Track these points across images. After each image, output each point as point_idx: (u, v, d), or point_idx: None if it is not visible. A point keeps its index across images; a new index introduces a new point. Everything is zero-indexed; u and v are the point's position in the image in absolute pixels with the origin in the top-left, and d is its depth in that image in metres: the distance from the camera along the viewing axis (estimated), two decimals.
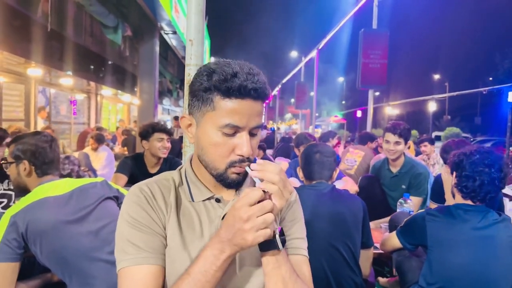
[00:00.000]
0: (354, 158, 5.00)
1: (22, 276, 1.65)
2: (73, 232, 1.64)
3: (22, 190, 1.82)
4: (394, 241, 1.98)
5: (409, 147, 6.78)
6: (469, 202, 1.79)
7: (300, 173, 2.12)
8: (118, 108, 16.37)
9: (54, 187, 1.73)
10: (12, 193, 2.89)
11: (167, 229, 0.98)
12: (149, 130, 2.98)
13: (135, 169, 3.01)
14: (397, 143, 3.05)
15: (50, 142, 1.82)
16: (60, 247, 1.62)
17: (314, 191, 1.90)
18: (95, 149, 5.93)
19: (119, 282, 0.96)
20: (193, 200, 1.02)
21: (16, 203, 1.67)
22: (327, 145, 2.11)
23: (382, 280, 2.56)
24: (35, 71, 7.88)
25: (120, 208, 1.84)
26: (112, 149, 8.15)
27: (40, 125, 8.04)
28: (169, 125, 12.16)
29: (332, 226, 1.80)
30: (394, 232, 2.01)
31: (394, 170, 3.14)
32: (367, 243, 1.97)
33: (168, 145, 3.02)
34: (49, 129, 7.02)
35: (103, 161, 5.76)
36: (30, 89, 9.02)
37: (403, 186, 3.02)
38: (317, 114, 16.71)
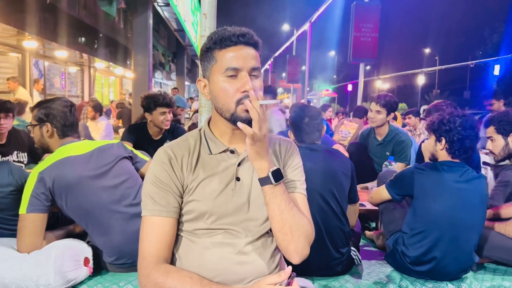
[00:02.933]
0: (348, 130, 5.21)
1: (48, 227, 1.85)
2: (94, 187, 1.84)
3: (45, 151, 2.01)
4: (383, 193, 2.24)
5: (396, 119, 6.99)
6: (454, 160, 2.06)
7: (291, 136, 2.32)
8: (110, 81, 16.32)
9: (76, 148, 1.91)
10: (22, 165, 3.05)
11: (192, 178, 1.20)
12: (151, 105, 3.08)
13: (139, 136, 3.17)
14: (378, 112, 3.27)
15: (70, 107, 1.99)
16: (83, 200, 1.82)
17: (309, 150, 2.10)
18: (94, 119, 5.99)
19: (141, 226, 1.20)
20: (211, 153, 1.24)
21: (42, 161, 1.85)
22: (313, 107, 2.30)
23: (368, 233, 2.83)
24: (30, 43, 7.86)
25: (134, 167, 2.06)
26: None
27: (36, 98, 8.09)
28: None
29: (324, 181, 2.02)
30: (383, 186, 2.27)
31: (380, 138, 3.36)
32: (354, 198, 2.20)
33: (170, 116, 3.15)
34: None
35: (102, 131, 5.80)
36: (25, 61, 9.00)
37: (388, 153, 3.25)
38: (308, 88, 16.81)
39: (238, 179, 1.22)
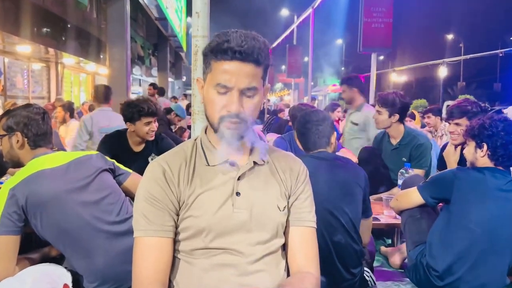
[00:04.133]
0: None
1: (20, 251, 1.91)
2: (73, 202, 1.91)
3: (15, 164, 2.08)
4: (413, 196, 2.35)
5: (414, 118, 7.07)
6: (497, 167, 2.18)
7: (299, 144, 2.42)
8: (81, 79, 16.37)
9: (50, 160, 1.98)
10: None
11: (189, 192, 1.28)
12: (135, 115, 3.13)
13: (116, 147, 3.21)
14: (378, 112, 3.39)
15: (42, 114, 2.07)
16: (61, 218, 1.89)
17: (315, 159, 2.18)
18: (64, 122, 5.94)
19: (134, 248, 1.28)
20: (208, 164, 1.33)
21: (13, 176, 1.92)
22: (320, 111, 2.40)
23: (383, 248, 2.92)
24: None
25: (116, 180, 2.13)
26: None
27: None
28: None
29: (332, 194, 2.10)
30: (413, 188, 2.38)
31: (394, 142, 3.45)
32: (367, 212, 2.28)
33: (156, 125, 3.22)
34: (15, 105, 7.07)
35: (72, 133, 5.76)
36: None
37: (404, 159, 3.33)
38: (312, 83, 16.93)
39: (238, 194, 1.30)
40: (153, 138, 3.22)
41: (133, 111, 3.14)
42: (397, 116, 3.35)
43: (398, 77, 31.58)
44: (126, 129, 3.30)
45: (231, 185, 1.31)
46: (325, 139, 2.30)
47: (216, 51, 1.22)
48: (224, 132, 1.24)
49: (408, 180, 2.74)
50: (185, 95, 17.47)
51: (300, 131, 2.34)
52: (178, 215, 1.29)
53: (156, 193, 1.27)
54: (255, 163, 1.35)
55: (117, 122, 4.56)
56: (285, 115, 8.93)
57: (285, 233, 1.40)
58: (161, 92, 7.17)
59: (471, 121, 2.31)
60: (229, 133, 1.24)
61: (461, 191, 2.15)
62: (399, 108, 3.34)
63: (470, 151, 2.26)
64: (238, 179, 1.32)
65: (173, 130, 6.36)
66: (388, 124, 3.39)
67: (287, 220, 1.39)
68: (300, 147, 2.42)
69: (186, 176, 1.30)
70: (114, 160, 2.23)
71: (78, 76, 16.08)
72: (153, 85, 8.29)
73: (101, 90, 4.90)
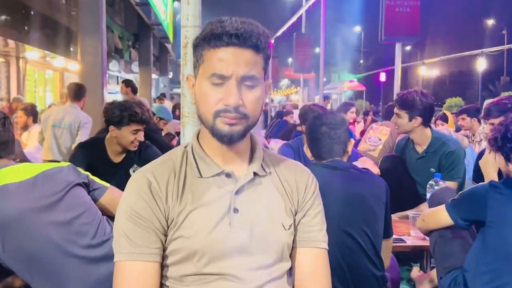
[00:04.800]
0: (378, 136, 5.29)
1: None
2: (40, 223, 1.95)
3: None
4: (441, 216, 2.35)
5: (447, 121, 7.10)
6: None
7: (308, 152, 2.46)
8: (47, 76, 16.47)
9: (13, 173, 2.02)
10: None
11: (179, 209, 1.31)
12: (125, 119, 3.16)
13: (93, 158, 3.26)
14: (397, 115, 3.43)
15: (2, 120, 2.11)
16: (27, 242, 1.92)
17: (328, 169, 2.23)
18: (25, 127, 5.95)
19: (114, 275, 1.30)
20: (201, 176, 1.35)
21: None
22: (334, 113, 2.44)
23: (414, 273, 2.93)
24: None
25: (91, 196, 2.17)
26: None
27: None
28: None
29: (348, 211, 2.15)
30: (441, 206, 2.38)
31: (420, 149, 3.48)
32: (387, 231, 2.32)
33: (142, 134, 3.26)
34: None
35: (36, 140, 5.74)
36: None
37: (432, 170, 3.35)
38: (325, 79, 16.98)
39: (236, 210, 1.33)
40: (136, 148, 3.27)
41: (123, 114, 3.17)
42: (419, 120, 3.37)
43: (428, 71, 31.67)
44: (103, 136, 3.34)
45: (228, 200, 1.34)
46: (342, 146, 2.34)
47: (209, 38, 1.27)
48: (221, 130, 1.27)
49: (437, 194, 2.76)
50: (172, 97, 17.48)
51: (312, 136, 2.37)
52: (166, 235, 1.32)
53: (141, 210, 1.30)
54: (255, 174, 1.38)
55: (70, 119, 5.16)
56: (293, 118, 8.94)
57: (292, 256, 1.43)
58: (134, 90, 7.17)
59: (494, 127, 2.29)
60: (228, 130, 1.27)
61: (497, 210, 2.14)
62: (420, 109, 3.36)
63: (500, 162, 2.26)
64: (236, 193, 1.34)
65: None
66: (410, 129, 3.43)
67: (294, 241, 1.42)
68: (309, 156, 2.46)
69: (176, 190, 1.33)
70: (88, 173, 2.27)
71: (44, 73, 16.18)
72: (125, 81, 8.38)
73: (72, 87, 5.36)
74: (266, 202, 1.38)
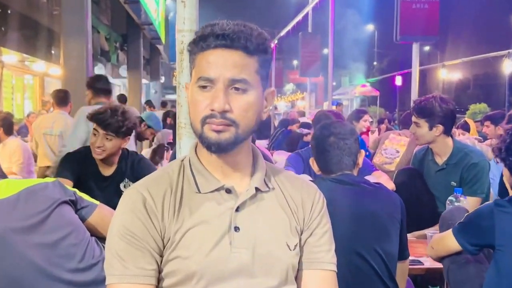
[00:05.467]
0: (395, 147, 5.29)
1: None
2: (23, 245, 1.98)
3: None
4: (449, 242, 2.37)
5: (468, 130, 7.11)
6: None
7: (315, 166, 2.49)
8: (26, 82, 16.53)
9: None
10: None
11: (176, 227, 1.35)
12: (93, 118, 3.23)
13: (81, 169, 3.30)
14: (416, 124, 3.46)
15: None
16: (9, 265, 1.95)
17: (336, 184, 2.26)
18: None
19: None
20: (199, 191, 1.40)
21: None
22: (342, 123, 2.48)
23: None
24: None
25: (78, 215, 2.21)
26: None
27: None
28: None
29: (358, 229, 2.18)
30: (449, 231, 2.39)
31: (440, 161, 3.51)
32: (402, 253, 2.35)
33: (106, 145, 3.20)
34: None
35: (15, 156, 5.71)
36: None
37: (453, 183, 3.37)
38: (334, 83, 17.00)
39: (236, 229, 1.37)
40: (101, 156, 3.24)
41: (94, 111, 3.28)
42: (440, 128, 3.39)
43: (449, 74, 31.66)
44: None
45: (228, 217, 1.37)
46: (352, 158, 2.37)
47: (198, 41, 1.34)
48: (208, 137, 1.32)
49: (447, 215, 2.77)
50: (164, 104, 17.44)
51: (320, 147, 2.41)
52: (162, 256, 1.35)
53: (135, 228, 1.33)
54: (257, 189, 1.42)
55: (60, 126, 5.37)
56: (299, 127, 8.91)
57: (297, 278, 1.46)
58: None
59: (501, 136, 2.31)
60: (215, 138, 1.31)
61: (505, 233, 2.15)
62: (441, 117, 3.39)
63: (505, 174, 2.30)
64: (237, 210, 1.38)
65: (151, 147, 6.43)
66: (431, 139, 3.45)
67: (300, 262, 1.45)
68: (316, 170, 2.50)
69: (172, 206, 1.36)
70: (75, 189, 2.31)
71: (22, 78, 16.22)
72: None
73: (56, 94, 5.74)
74: (270, 220, 1.41)
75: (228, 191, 1.40)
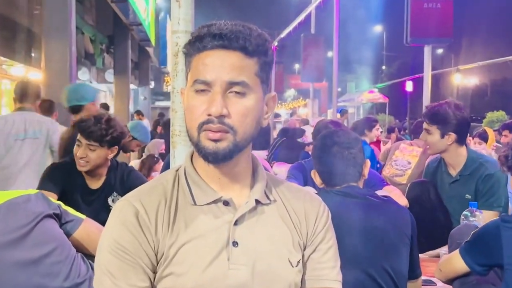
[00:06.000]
0: (406, 158, 5.29)
1: None
2: (3, 262, 1.99)
3: None
4: (456, 263, 2.39)
5: (486, 140, 7.13)
6: None
7: (317, 178, 2.51)
8: (3, 87, 16.51)
9: None
10: None
11: (170, 242, 1.37)
12: (72, 122, 3.31)
13: (67, 182, 3.31)
14: (427, 131, 3.50)
15: None
16: None
17: (341, 197, 2.28)
18: None
19: None
20: (195, 203, 1.42)
21: None
22: (345, 131, 2.49)
23: None
24: None
25: (63, 230, 2.23)
26: None
27: None
28: None
29: (365, 246, 2.20)
30: (456, 252, 2.41)
31: (454, 172, 3.55)
32: (414, 272, 2.38)
33: (89, 156, 3.22)
34: None
35: None
36: None
37: (468, 196, 3.40)
38: (339, 89, 16.99)
39: (235, 244, 1.39)
40: (85, 168, 3.25)
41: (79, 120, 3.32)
42: (453, 136, 3.43)
43: (464, 79, 31.73)
44: None
45: (226, 231, 1.39)
46: (358, 169, 2.39)
47: (194, 42, 1.37)
48: (205, 147, 1.33)
49: (455, 234, 2.79)
50: (162, 116, 17.36)
51: (322, 158, 2.43)
52: (155, 272, 1.37)
53: (127, 243, 1.35)
54: (257, 201, 1.44)
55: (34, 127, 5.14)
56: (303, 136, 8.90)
57: None
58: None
59: (508, 144, 2.37)
60: (212, 148, 1.33)
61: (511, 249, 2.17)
62: (454, 124, 3.42)
63: None
64: (235, 223, 1.40)
65: (141, 159, 6.44)
66: (443, 148, 3.49)
67: (302, 280, 1.47)
68: (318, 183, 2.52)
69: (166, 219, 1.38)
70: (60, 202, 2.33)
71: None
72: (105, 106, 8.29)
73: (40, 104, 5.61)
74: (271, 234, 1.43)
75: (226, 203, 1.42)
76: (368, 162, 2.44)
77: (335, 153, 2.37)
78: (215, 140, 1.32)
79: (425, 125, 3.53)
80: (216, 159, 1.34)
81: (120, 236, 1.36)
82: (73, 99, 4.85)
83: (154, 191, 1.43)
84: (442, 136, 3.44)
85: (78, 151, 3.22)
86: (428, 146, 3.56)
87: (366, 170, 2.42)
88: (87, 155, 3.21)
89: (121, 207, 1.41)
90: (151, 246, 1.37)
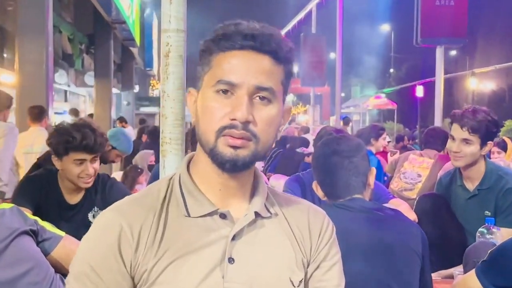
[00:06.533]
0: (416, 170, 5.29)
1: None
2: None
3: None
4: (472, 284, 2.38)
5: (505, 149, 7.15)
6: None
7: (319, 191, 2.51)
8: None
9: None
10: None
11: (154, 261, 1.36)
12: (60, 148, 3.21)
13: (43, 196, 3.31)
14: (466, 141, 3.43)
15: None
16: None
17: (345, 210, 2.29)
18: None
19: None
20: (189, 215, 1.42)
21: None
22: (346, 137, 2.49)
23: None
24: None
25: (40, 248, 2.24)
26: None
27: None
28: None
29: (372, 263, 2.20)
30: (471, 272, 2.41)
31: (472, 186, 3.54)
32: None
33: (95, 166, 3.29)
34: None
35: None
36: None
37: (487, 213, 3.40)
38: (343, 94, 17.00)
39: (231, 260, 1.39)
40: (89, 184, 3.30)
41: (58, 140, 3.23)
42: (490, 145, 3.45)
43: (480, 83, 31.78)
44: (57, 169, 3.38)
45: (222, 247, 1.39)
46: (362, 178, 2.40)
47: (220, 40, 1.38)
48: (223, 153, 1.33)
49: (471, 252, 2.80)
50: (143, 120, 17.33)
51: (322, 169, 2.44)
52: None
53: (101, 267, 1.35)
54: (257, 214, 1.44)
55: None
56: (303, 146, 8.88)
57: None
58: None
59: None
60: (231, 155, 1.33)
61: None
62: (494, 133, 3.45)
63: None
64: (233, 238, 1.40)
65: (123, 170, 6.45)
66: (475, 159, 3.46)
67: None
68: (321, 195, 2.52)
69: (152, 235, 1.37)
70: (37, 218, 2.33)
71: None
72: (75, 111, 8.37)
73: (31, 110, 6.37)
74: (271, 251, 1.43)
75: (223, 216, 1.42)
76: (374, 170, 2.44)
77: (336, 162, 2.38)
78: (235, 147, 1.33)
79: (465, 135, 3.42)
80: (233, 167, 1.35)
81: (97, 259, 1.36)
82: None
83: (142, 202, 1.43)
84: (481, 147, 3.43)
85: (83, 170, 3.23)
86: (459, 158, 3.48)
87: (372, 179, 2.43)
88: (94, 168, 3.26)
89: (104, 220, 1.41)
90: (128, 270, 1.36)
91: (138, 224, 1.38)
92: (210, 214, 1.42)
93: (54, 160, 3.29)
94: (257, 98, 1.36)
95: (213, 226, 1.41)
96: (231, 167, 1.35)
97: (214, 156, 1.35)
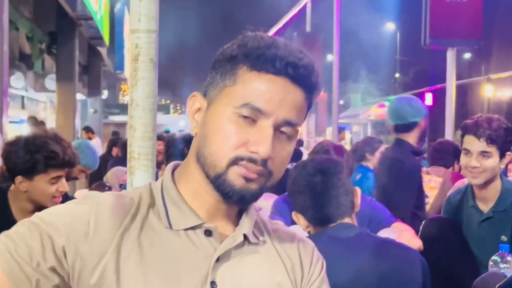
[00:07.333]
0: (424, 190, 5.33)
1: None
2: None
3: None
4: None
5: None
6: None
7: (300, 220, 2.52)
8: None
9: None
10: None
11: (120, 272, 1.34)
12: (39, 165, 3.18)
13: None
14: (484, 154, 3.44)
15: None
16: None
17: (334, 239, 2.31)
18: None
19: None
20: (171, 227, 1.41)
21: None
22: (324, 156, 2.51)
23: None
24: None
25: None
26: None
27: None
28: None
29: None
30: None
31: (486, 207, 3.55)
32: None
33: (64, 183, 3.31)
34: None
35: None
36: None
37: (504, 238, 3.41)
38: (341, 102, 17.05)
39: (213, 284, 1.38)
40: (58, 203, 3.20)
41: (36, 157, 3.19)
42: (508, 157, 3.46)
43: (497, 90, 31.95)
44: (6, 188, 3.38)
45: (204, 267, 1.38)
46: (350, 198, 2.43)
47: (256, 57, 1.37)
48: (232, 183, 1.35)
49: (479, 285, 2.81)
50: (116, 135, 17.28)
51: (306, 191, 2.46)
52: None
53: (57, 223, 1.35)
54: (245, 237, 1.46)
55: None
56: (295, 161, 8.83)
57: None
58: None
59: None
60: (240, 187, 1.35)
61: None
62: (510, 141, 3.46)
63: None
64: (217, 260, 1.40)
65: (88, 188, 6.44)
66: (495, 174, 3.47)
67: None
68: (303, 225, 2.53)
69: (121, 243, 1.35)
70: None
71: None
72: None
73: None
74: (258, 279, 1.44)
75: (208, 233, 1.42)
76: (359, 190, 2.46)
77: (322, 182, 2.40)
78: (248, 180, 1.35)
79: (483, 147, 3.42)
80: (240, 200, 1.38)
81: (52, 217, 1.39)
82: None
83: (120, 201, 1.42)
84: (500, 159, 3.45)
85: (57, 188, 3.26)
86: (477, 173, 3.46)
87: (358, 200, 2.45)
88: (64, 186, 3.31)
89: (73, 205, 1.41)
90: (79, 252, 1.33)
91: (108, 226, 1.36)
92: (194, 228, 1.42)
93: (19, 180, 3.24)
94: (281, 132, 1.38)
95: (196, 242, 1.41)
96: (238, 200, 1.38)
97: (221, 184, 1.37)
